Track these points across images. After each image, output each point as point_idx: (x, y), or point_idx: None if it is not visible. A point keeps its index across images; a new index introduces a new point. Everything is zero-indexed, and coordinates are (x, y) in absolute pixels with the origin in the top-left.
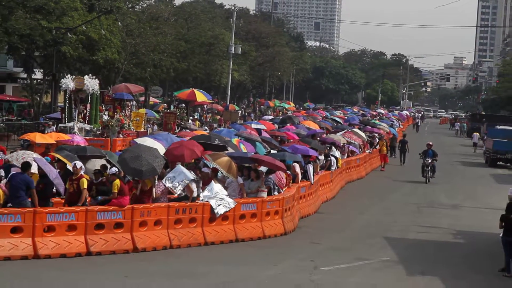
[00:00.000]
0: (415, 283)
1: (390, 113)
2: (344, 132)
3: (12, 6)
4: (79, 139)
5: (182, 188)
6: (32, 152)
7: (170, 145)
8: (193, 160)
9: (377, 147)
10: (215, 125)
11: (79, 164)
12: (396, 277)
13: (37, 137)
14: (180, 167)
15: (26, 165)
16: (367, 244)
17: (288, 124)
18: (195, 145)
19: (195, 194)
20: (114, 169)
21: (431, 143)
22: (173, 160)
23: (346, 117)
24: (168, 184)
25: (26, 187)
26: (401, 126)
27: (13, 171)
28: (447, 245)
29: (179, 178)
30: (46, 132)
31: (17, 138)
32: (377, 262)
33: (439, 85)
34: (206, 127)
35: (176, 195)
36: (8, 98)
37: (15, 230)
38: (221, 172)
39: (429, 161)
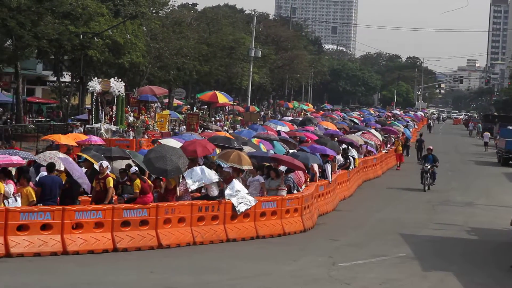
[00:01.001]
0: (430, 278)
1: (405, 114)
2: (362, 133)
3: (41, 12)
4: (96, 139)
5: (197, 186)
6: (58, 152)
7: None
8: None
9: (393, 146)
10: (238, 126)
11: (105, 163)
12: (412, 273)
13: (61, 138)
14: (203, 168)
15: (51, 166)
16: (383, 240)
17: (308, 126)
18: (207, 142)
19: (215, 193)
20: (134, 168)
21: (431, 148)
22: (187, 156)
23: (362, 118)
24: (188, 181)
25: (58, 187)
26: (416, 127)
27: (42, 171)
28: (461, 241)
29: (196, 177)
30: (74, 133)
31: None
32: (394, 258)
33: (453, 87)
34: (226, 128)
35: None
36: (37, 100)
37: (44, 227)
38: (241, 168)
39: (429, 167)
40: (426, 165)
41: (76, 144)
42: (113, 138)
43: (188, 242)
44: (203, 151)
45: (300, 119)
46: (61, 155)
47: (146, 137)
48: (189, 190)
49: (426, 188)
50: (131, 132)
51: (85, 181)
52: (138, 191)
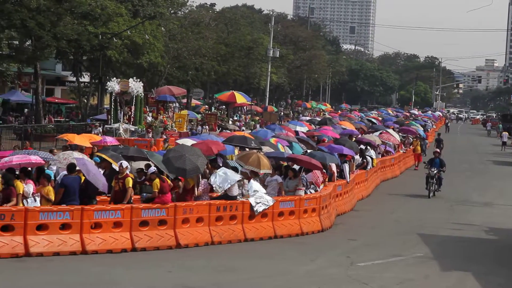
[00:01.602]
0: (448, 278)
1: (423, 114)
2: (380, 134)
3: (60, 12)
4: (110, 139)
5: (225, 188)
6: (73, 152)
7: None
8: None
9: (411, 146)
10: (257, 126)
11: (125, 163)
12: (429, 273)
13: (76, 138)
14: (225, 170)
15: (72, 166)
16: (401, 240)
17: (327, 125)
18: (215, 143)
19: (235, 193)
20: (153, 168)
21: (438, 151)
22: None
23: (380, 118)
24: (215, 186)
25: (78, 187)
26: (434, 127)
27: (60, 171)
28: (480, 241)
29: (220, 180)
30: (93, 133)
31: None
32: (411, 258)
33: (471, 86)
34: (243, 128)
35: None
36: (56, 100)
37: (64, 226)
38: (258, 172)
39: (435, 171)
40: (433, 169)
41: (89, 145)
42: (132, 138)
43: (206, 241)
44: (207, 151)
45: (318, 119)
46: (77, 154)
47: (164, 136)
48: (219, 193)
49: (431, 194)
50: (149, 133)
51: (100, 181)
52: (157, 190)
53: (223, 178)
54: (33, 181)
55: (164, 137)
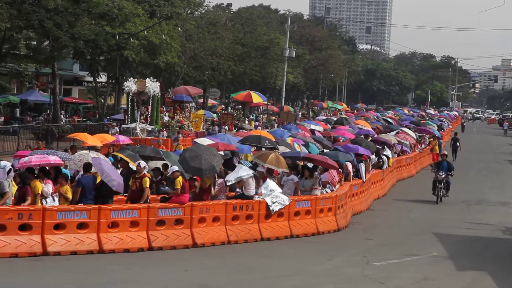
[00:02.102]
0: (464, 277)
1: (439, 114)
2: (397, 133)
3: (78, 13)
4: (123, 138)
5: (234, 181)
6: (88, 152)
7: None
8: None
9: (429, 145)
10: (275, 125)
11: (143, 163)
12: (445, 272)
13: (88, 139)
14: (240, 165)
15: (88, 166)
16: (417, 240)
17: (343, 126)
18: (223, 144)
19: (252, 192)
20: (175, 167)
21: (446, 153)
22: None
23: (397, 118)
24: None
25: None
26: (450, 126)
27: (72, 170)
28: (496, 241)
29: (234, 175)
30: (110, 132)
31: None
32: (427, 257)
33: (487, 86)
34: (259, 128)
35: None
36: (74, 100)
37: (81, 226)
38: (277, 170)
39: (443, 176)
40: (440, 173)
41: (100, 144)
42: (149, 137)
43: (223, 241)
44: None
45: (335, 118)
46: (93, 154)
47: (181, 136)
48: (227, 184)
49: (439, 200)
50: (164, 132)
51: (114, 180)
52: (179, 187)
53: (235, 172)
54: (51, 181)
55: (181, 136)
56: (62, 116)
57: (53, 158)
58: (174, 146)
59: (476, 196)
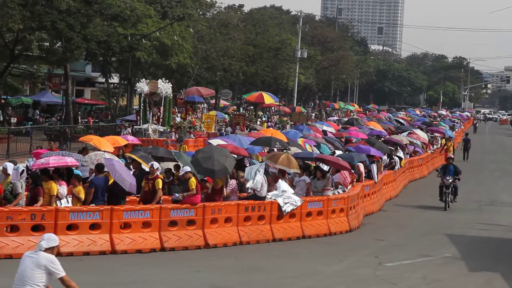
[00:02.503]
0: (476, 279)
1: (451, 114)
2: (408, 134)
3: (90, 14)
4: (132, 138)
5: (255, 181)
6: (103, 152)
7: (239, 145)
8: None
9: (445, 146)
10: (287, 126)
11: (156, 165)
12: (458, 273)
13: (102, 144)
14: (251, 167)
15: (100, 167)
16: (429, 240)
17: (354, 126)
18: (234, 148)
19: (264, 193)
20: (187, 168)
21: (452, 156)
22: None
23: (410, 118)
24: (249, 183)
25: (106, 187)
26: (462, 127)
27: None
28: (508, 242)
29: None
30: (122, 133)
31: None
32: (439, 258)
33: (499, 87)
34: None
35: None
36: (86, 101)
37: (93, 226)
38: (289, 171)
39: (450, 180)
40: (447, 178)
41: (113, 149)
42: (161, 138)
43: (235, 241)
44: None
45: (346, 119)
46: (107, 155)
47: (193, 137)
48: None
49: (447, 206)
50: (173, 133)
51: (126, 181)
52: (194, 187)
53: (249, 171)
54: (65, 182)
55: (193, 137)
56: (78, 117)
57: (70, 160)
58: (178, 146)
59: (489, 197)
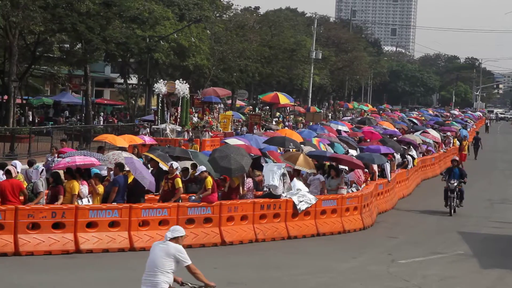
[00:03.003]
0: (488, 276)
1: (463, 114)
2: (421, 133)
3: (109, 16)
4: (148, 139)
5: (277, 179)
6: (121, 152)
7: (255, 144)
8: None
9: (452, 146)
10: (301, 125)
11: (175, 164)
12: (470, 270)
13: (117, 141)
14: (267, 164)
15: (121, 166)
16: (442, 238)
17: (367, 126)
18: (249, 148)
19: (279, 192)
20: (202, 167)
21: (457, 159)
22: None
23: (423, 118)
24: (271, 183)
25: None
26: (474, 127)
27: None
28: None
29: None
30: (140, 133)
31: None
32: (452, 255)
33: (511, 87)
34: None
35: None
36: (105, 101)
37: (112, 224)
38: (305, 172)
39: (455, 184)
40: (452, 181)
41: (127, 145)
42: (178, 138)
43: (251, 239)
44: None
45: (359, 118)
46: (126, 154)
47: (208, 136)
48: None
49: (452, 211)
50: (186, 133)
51: (146, 179)
52: (210, 187)
53: (269, 170)
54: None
55: (208, 136)
56: (100, 117)
57: (94, 159)
58: (190, 146)
59: (500, 195)
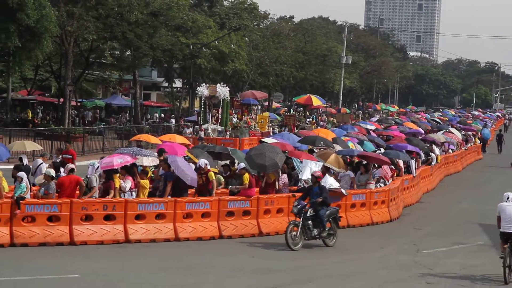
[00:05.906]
0: None
1: (483, 115)
2: (444, 132)
3: (156, 25)
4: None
5: (308, 174)
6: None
7: (291, 143)
8: None
9: (472, 144)
10: (330, 125)
11: (202, 163)
12: (490, 260)
13: (151, 139)
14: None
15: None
16: (464, 229)
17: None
18: (282, 145)
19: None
20: (242, 165)
21: (317, 175)
22: None
23: (446, 118)
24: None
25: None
26: (493, 126)
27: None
28: None
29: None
30: (183, 132)
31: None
32: (473, 246)
33: None
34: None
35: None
36: (152, 104)
37: (159, 216)
38: (334, 169)
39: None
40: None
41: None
42: (219, 137)
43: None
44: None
45: (389, 118)
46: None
47: (248, 135)
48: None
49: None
50: (227, 132)
51: (188, 175)
52: (247, 182)
53: (302, 166)
54: (132, 176)
55: (248, 136)
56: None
57: (129, 158)
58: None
59: None
